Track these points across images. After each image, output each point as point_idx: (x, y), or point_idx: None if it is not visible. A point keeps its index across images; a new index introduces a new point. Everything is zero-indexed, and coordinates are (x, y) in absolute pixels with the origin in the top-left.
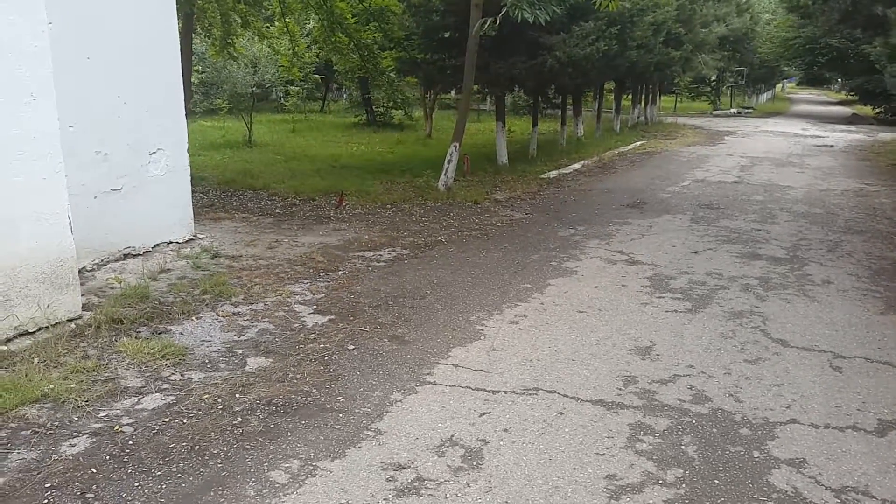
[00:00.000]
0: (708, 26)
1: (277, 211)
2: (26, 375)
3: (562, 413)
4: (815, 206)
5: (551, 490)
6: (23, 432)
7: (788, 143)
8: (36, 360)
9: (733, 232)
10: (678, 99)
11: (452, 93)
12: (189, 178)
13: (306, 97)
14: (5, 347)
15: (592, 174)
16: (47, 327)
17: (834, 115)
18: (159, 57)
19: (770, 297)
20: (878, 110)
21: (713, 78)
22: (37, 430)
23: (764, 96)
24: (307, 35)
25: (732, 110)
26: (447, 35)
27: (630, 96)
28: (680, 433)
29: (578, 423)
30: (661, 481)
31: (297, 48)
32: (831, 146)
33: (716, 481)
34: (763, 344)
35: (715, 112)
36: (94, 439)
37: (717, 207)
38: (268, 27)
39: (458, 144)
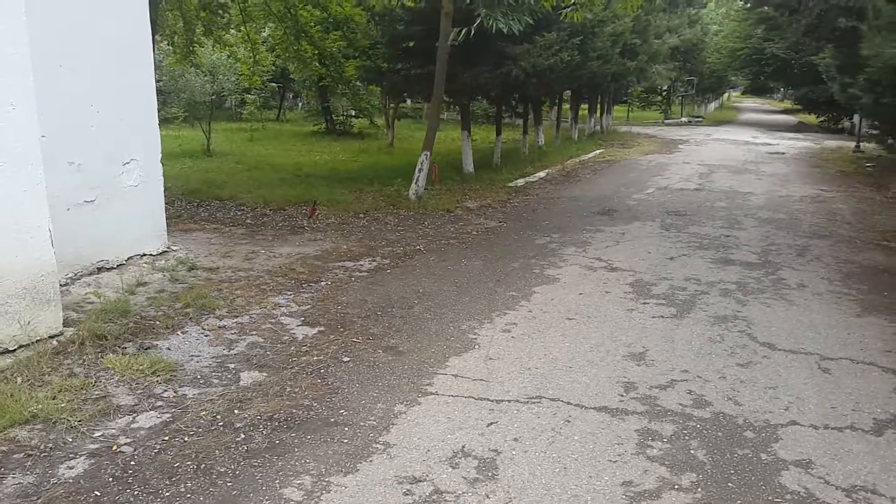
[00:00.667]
0: (661, 37)
1: (248, 221)
2: (11, 396)
3: (569, 421)
4: (778, 212)
5: (570, 499)
6: (15, 455)
7: (742, 151)
8: (20, 380)
9: (704, 238)
10: (630, 108)
11: (409, 102)
12: (162, 188)
13: (262, 106)
14: None
15: (558, 182)
16: (28, 345)
17: (780, 123)
18: (133, 64)
19: (750, 301)
20: (821, 119)
21: (664, 88)
22: (30, 452)
23: (712, 105)
24: (264, 42)
25: (683, 119)
26: (412, 44)
27: (587, 106)
28: (687, 438)
29: (587, 431)
30: (676, 486)
31: (257, 56)
32: (783, 153)
33: (729, 484)
34: (751, 348)
35: (666, 121)
36: (93, 460)
37: (684, 214)
38: (224, 35)
39: (428, 153)
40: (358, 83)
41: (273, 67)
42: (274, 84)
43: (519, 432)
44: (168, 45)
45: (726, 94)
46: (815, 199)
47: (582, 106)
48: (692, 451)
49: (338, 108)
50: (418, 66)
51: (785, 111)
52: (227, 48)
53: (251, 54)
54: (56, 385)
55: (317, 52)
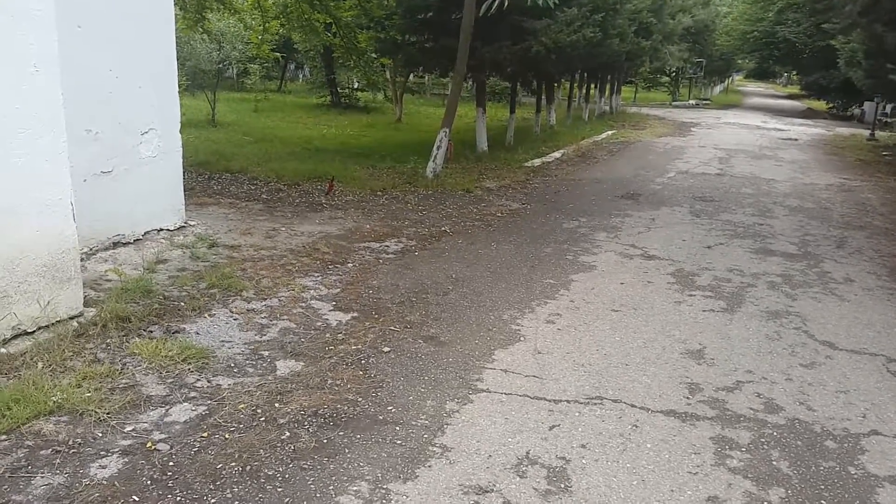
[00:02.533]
0: (674, 17)
1: (264, 196)
2: (33, 383)
3: (636, 426)
4: (807, 201)
5: None
6: (42, 452)
7: (755, 136)
8: (40, 365)
9: (737, 226)
10: (636, 89)
11: (411, 77)
12: (181, 160)
13: (264, 76)
14: (4, 350)
15: (575, 164)
16: (48, 326)
17: (788, 108)
18: (153, 28)
19: (799, 295)
20: (830, 105)
21: (673, 69)
22: (57, 448)
23: (717, 88)
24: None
25: (691, 102)
26: (430, 15)
27: (597, 86)
28: (766, 447)
29: (658, 438)
30: (766, 503)
31: (267, 25)
32: (796, 140)
33: (823, 502)
34: (812, 347)
35: (674, 103)
36: (127, 459)
37: (711, 200)
38: (235, 1)
39: (447, 130)
40: (373, 55)
41: (276, 37)
42: (278, 54)
43: (585, 438)
44: (179, 9)
45: (730, 78)
46: (841, 189)
47: (584, 86)
48: (774, 463)
49: (343, 80)
50: (435, 38)
51: (790, 96)
52: (237, 14)
53: (261, 22)
54: (80, 372)
55: (330, 21)
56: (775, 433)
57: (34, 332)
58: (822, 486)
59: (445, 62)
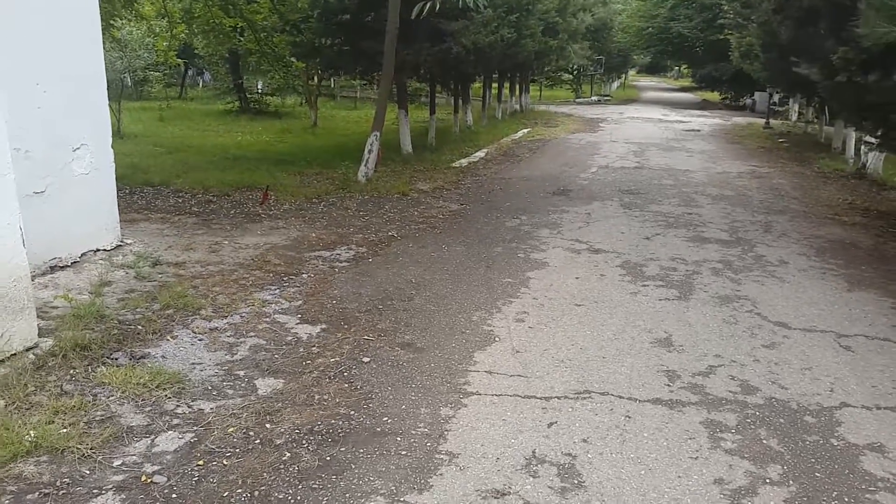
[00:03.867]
0: (576, 16)
1: (195, 209)
2: (1, 424)
3: (629, 417)
4: (725, 189)
5: (673, 501)
6: (28, 496)
7: (660, 129)
8: (2, 403)
9: (668, 217)
10: (540, 88)
11: (332, 82)
12: (114, 176)
13: (166, 84)
14: None
15: (500, 162)
16: (2, 361)
17: (684, 101)
18: (80, 38)
19: (742, 279)
20: (724, 96)
21: (575, 67)
22: (45, 491)
23: (615, 84)
24: (183, 16)
25: (593, 98)
26: (346, 18)
27: (509, 85)
28: (753, 427)
29: (652, 427)
30: (768, 480)
31: (174, 31)
32: (698, 130)
33: (817, 473)
34: (768, 328)
35: (577, 100)
36: (124, 496)
37: (637, 193)
38: (142, 8)
39: (378, 133)
40: (292, 59)
41: (178, 42)
42: (180, 60)
43: (584, 432)
44: None
45: (626, 74)
46: (753, 175)
47: (496, 86)
48: (764, 441)
49: (250, 85)
50: (353, 41)
51: (682, 89)
52: (144, 21)
53: (167, 28)
54: (48, 407)
55: (240, 24)
56: (758, 413)
57: None
58: (813, 460)
59: (365, 64)
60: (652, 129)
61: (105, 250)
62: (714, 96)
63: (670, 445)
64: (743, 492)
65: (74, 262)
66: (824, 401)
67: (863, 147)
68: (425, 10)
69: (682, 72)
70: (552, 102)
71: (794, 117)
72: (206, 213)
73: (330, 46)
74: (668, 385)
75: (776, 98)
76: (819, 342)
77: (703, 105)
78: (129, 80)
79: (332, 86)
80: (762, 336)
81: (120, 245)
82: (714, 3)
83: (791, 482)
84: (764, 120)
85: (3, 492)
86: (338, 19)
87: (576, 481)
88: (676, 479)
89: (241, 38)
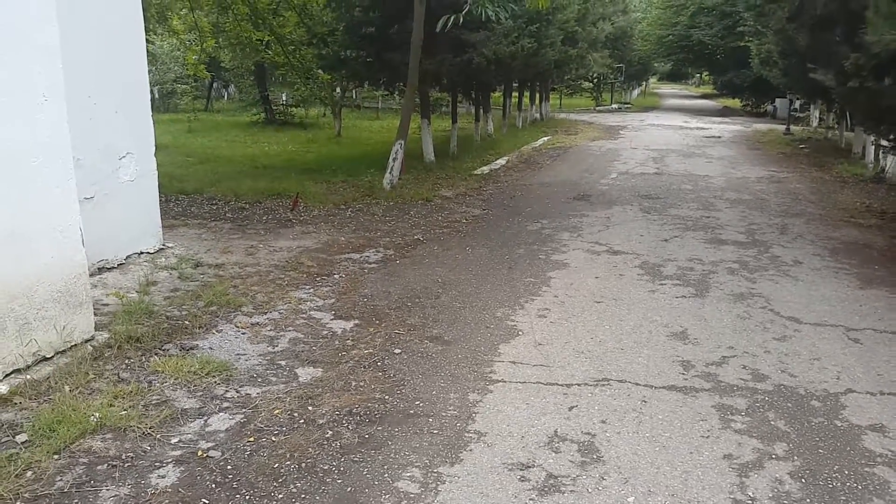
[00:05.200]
0: (596, 25)
1: (229, 215)
2: (69, 405)
3: (645, 401)
4: (743, 193)
5: (682, 475)
6: (99, 467)
7: (680, 136)
8: (67, 388)
9: (686, 220)
10: (560, 96)
11: (354, 93)
12: (157, 183)
13: (195, 96)
14: (28, 376)
15: (521, 169)
16: (64, 351)
17: (704, 108)
18: (127, 52)
19: (757, 278)
20: (745, 103)
21: (595, 75)
22: (112, 463)
23: (635, 92)
24: (214, 29)
25: (613, 106)
26: (372, 30)
27: (528, 94)
28: (762, 410)
29: (667, 410)
30: (774, 455)
31: (204, 45)
32: (719, 137)
33: (820, 450)
34: (780, 322)
35: (598, 108)
36: (183, 468)
37: (657, 198)
38: (173, 22)
39: (402, 142)
40: (320, 72)
41: (206, 56)
42: (207, 73)
43: (603, 415)
44: None
45: (647, 81)
46: (771, 180)
47: (517, 94)
48: (773, 423)
49: (274, 97)
50: (377, 53)
51: (704, 96)
52: (176, 35)
53: (199, 42)
54: (108, 392)
55: (271, 38)
56: (767, 398)
57: (52, 357)
58: (817, 438)
59: (389, 75)
60: (672, 135)
61: (148, 253)
62: (735, 103)
63: (683, 426)
64: (750, 465)
65: (120, 264)
66: (830, 387)
67: (881, 152)
68: (449, 24)
69: (703, 79)
70: (572, 110)
71: (815, 123)
72: (240, 218)
73: (355, 59)
74: (683, 373)
75: (797, 104)
76: (829, 335)
77: (724, 112)
78: (156, 93)
79: (354, 97)
80: (774, 330)
81: (162, 248)
82: (734, 11)
83: (796, 458)
84: (784, 126)
85: (77, 462)
86: (363, 32)
87: (595, 456)
88: (688, 455)
89: (269, 52)
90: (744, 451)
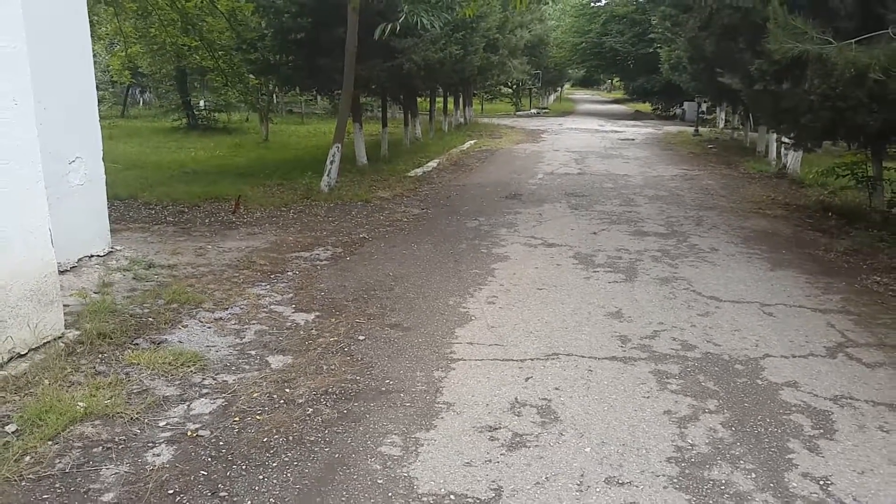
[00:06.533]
0: (515, 32)
1: (170, 219)
2: (53, 397)
3: (591, 370)
4: (660, 190)
5: (631, 427)
6: (94, 450)
7: (597, 139)
8: (47, 382)
9: (611, 215)
10: (481, 102)
11: (274, 97)
12: (105, 187)
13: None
14: (6, 372)
15: (452, 171)
16: (37, 348)
17: (617, 112)
18: (74, 58)
19: (679, 264)
20: (655, 107)
21: (514, 81)
22: (107, 445)
23: (551, 97)
24: (141, 36)
25: (532, 111)
26: (301, 36)
27: (454, 99)
28: (693, 374)
29: (611, 377)
30: (706, 410)
31: (129, 50)
32: (633, 139)
33: (745, 404)
34: (702, 301)
35: (518, 113)
36: (176, 446)
37: (582, 195)
38: (99, 29)
39: (339, 145)
40: (252, 77)
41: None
42: (130, 79)
43: (556, 383)
44: None
45: (562, 87)
46: (685, 178)
47: (441, 100)
48: (703, 383)
49: (199, 102)
50: (308, 58)
51: (615, 101)
52: (99, 41)
53: (124, 48)
54: (88, 384)
55: (197, 43)
56: (696, 364)
57: (27, 353)
58: (742, 395)
59: (321, 81)
60: (590, 138)
61: (99, 256)
62: (646, 107)
63: (626, 389)
64: (687, 418)
65: (73, 267)
66: (750, 353)
67: (783, 150)
68: (386, 32)
69: (614, 84)
70: (494, 115)
71: (722, 125)
72: (182, 222)
73: (286, 63)
74: (622, 346)
75: (704, 107)
76: (746, 310)
77: (636, 116)
78: None
79: (277, 101)
80: (698, 307)
81: (111, 251)
82: (644, 19)
83: (726, 411)
84: (693, 128)
85: (72, 447)
86: (292, 38)
87: (552, 417)
88: (633, 412)
89: (196, 56)
90: (681, 408)
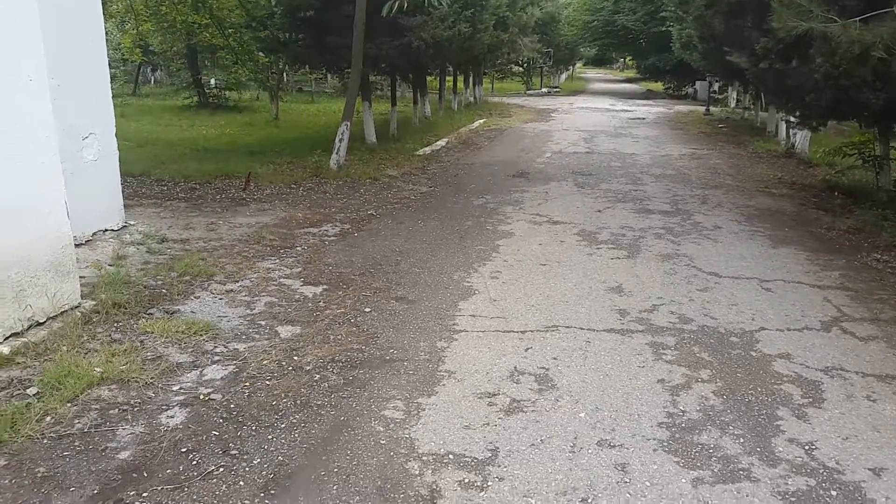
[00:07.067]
0: (525, 10)
1: (182, 195)
2: (71, 362)
3: (588, 342)
4: (667, 169)
5: (625, 395)
6: (111, 411)
7: (607, 118)
8: (65, 349)
9: (617, 193)
10: (492, 80)
11: (285, 76)
12: (118, 163)
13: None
14: (26, 339)
15: (461, 150)
16: (55, 317)
17: (629, 91)
18: (86, 33)
19: (682, 241)
20: (666, 86)
21: (525, 60)
22: (122, 408)
23: (563, 76)
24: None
25: (543, 90)
26: (311, 14)
27: (462, 78)
28: (689, 345)
29: (608, 347)
30: (699, 379)
31: (140, 28)
32: (643, 118)
33: (738, 374)
34: (702, 277)
35: (528, 92)
36: (189, 409)
37: (589, 174)
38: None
39: (348, 123)
40: (261, 55)
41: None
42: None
43: (554, 353)
44: None
45: (574, 66)
46: (693, 157)
47: (451, 78)
48: (698, 354)
49: (209, 80)
50: (317, 36)
51: (627, 80)
52: (111, 18)
53: (135, 26)
54: (104, 351)
55: (208, 21)
56: (692, 336)
57: (45, 322)
58: (736, 365)
59: (330, 59)
60: (600, 117)
61: (113, 230)
62: (658, 86)
63: (622, 359)
64: (680, 387)
65: (88, 241)
66: (746, 326)
67: (791, 129)
68: (394, 9)
69: (626, 63)
70: (504, 94)
71: (733, 104)
72: (193, 198)
73: (295, 41)
74: (620, 319)
75: (716, 87)
76: (745, 286)
77: (648, 95)
78: None
79: (287, 80)
80: (697, 283)
81: (125, 226)
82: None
83: (718, 380)
84: (704, 107)
85: (90, 408)
86: (302, 15)
87: (549, 384)
88: (628, 381)
89: (206, 34)
90: (674, 377)
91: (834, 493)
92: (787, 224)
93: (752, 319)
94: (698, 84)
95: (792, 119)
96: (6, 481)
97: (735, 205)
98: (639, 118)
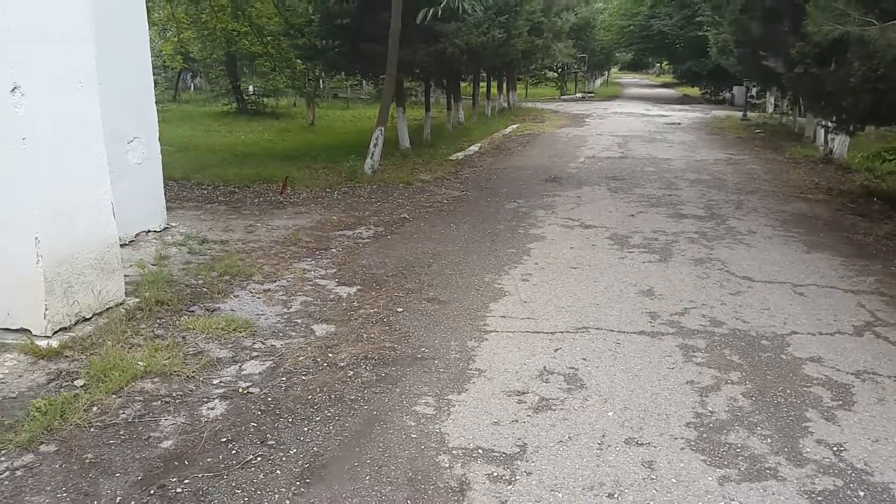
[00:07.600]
0: (560, 15)
1: (221, 199)
2: (116, 356)
3: (619, 343)
4: (702, 174)
5: (654, 395)
6: (154, 403)
7: (642, 123)
8: (110, 343)
9: (650, 198)
10: (526, 86)
11: (321, 83)
12: (161, 166)
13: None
14: (73, 334)
15: (494, 155)
16: (101, 313)
17: (665, 96)
18: (131, 38)
19: (715, 246)
20: (703, 91)
21: (559, 65)
22: (165, 400)
23: (598, 81)
24: (192, 22)
25: (578, 95)
26: (347, 21)
27: (496, 84)
28: (719, 348)
29: (638, 349)
30: (729, 381)
31: (181, 35)
32: (679, 124)
33: (768, 376)
34: (735, 281)
35: (563, 97)
36: (229, 401)
37: (623, 179)
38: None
39: (382, 129)
40: (299, 62)
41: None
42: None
43: (584, 354)
44: None
45: (609, 71)
46: (729, 162)
47: (485, 84)
48: (728, 357)
49: (248, 87)
50: (353, 43)
51: (664, 85)
52: (153, 26)
53: (176, 33)
54: (147, 346)
55: (247, 28)
56: (723, 339)
57: (91, 318)
58: (766, 368)
59: (365, 65)
60: (635, 123)
61: (155, 231)
62: (695, 91)
63: (652, 361)
64: (709, 388)
65: (131, 241)
66: (778, 330)
67: (829, 134)
68: (429, 16)
69: (663, 68)
70: (538, 100)
71: (771, 109)
72: (232, 201)
73: (332, 48)
74: (650, 322)
75: (753, 91)
76: (777, 290)
77: (684, 100)
78: None
79: (323, 86)
80: (730, 287)
81: (167, 227)
82: (692, 1)
83: (748, 382)
84: (742, 112)
85: (134, 400)
86: (338, 23)
87: (578, 384)
88: (657, 382)
89: (245, 42)
90: (704, 378)
91: (861, 493)
92: (823, 229)
93: (783, 323)
94: (735, 89)
95: (829, 124)
96: (57, 465)
97: (770, 210)
98: (674, 123)
